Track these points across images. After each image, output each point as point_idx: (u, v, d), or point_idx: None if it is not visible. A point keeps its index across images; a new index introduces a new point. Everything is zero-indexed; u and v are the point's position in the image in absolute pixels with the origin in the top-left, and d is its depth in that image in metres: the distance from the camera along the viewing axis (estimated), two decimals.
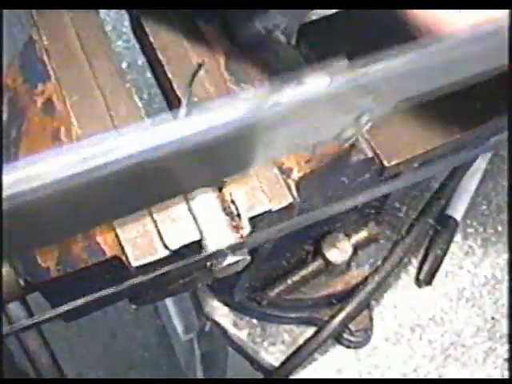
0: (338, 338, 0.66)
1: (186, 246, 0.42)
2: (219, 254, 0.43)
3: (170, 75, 0.49)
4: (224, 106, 0.25)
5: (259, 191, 0.44)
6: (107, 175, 0.23)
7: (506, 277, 0.69)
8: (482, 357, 0.66)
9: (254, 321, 0.66)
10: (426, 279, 0.69)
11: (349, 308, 0.63)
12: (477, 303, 0.69)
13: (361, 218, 0.62)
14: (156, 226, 0.42)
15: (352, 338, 0.65)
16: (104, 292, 0.43)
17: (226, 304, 0.66)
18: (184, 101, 0.47)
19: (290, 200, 0.44)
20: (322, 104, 0.28)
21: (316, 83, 0.27)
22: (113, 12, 0.73)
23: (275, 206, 0.44)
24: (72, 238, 0.39)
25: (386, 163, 0.48)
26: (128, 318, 1.46)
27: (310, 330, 0.66)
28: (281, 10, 0.49)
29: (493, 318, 0.68)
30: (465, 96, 0.39)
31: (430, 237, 0.71)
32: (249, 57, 0.51)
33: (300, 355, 0.64)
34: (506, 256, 0.70)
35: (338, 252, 0.61)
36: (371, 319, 0.66)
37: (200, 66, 0.46)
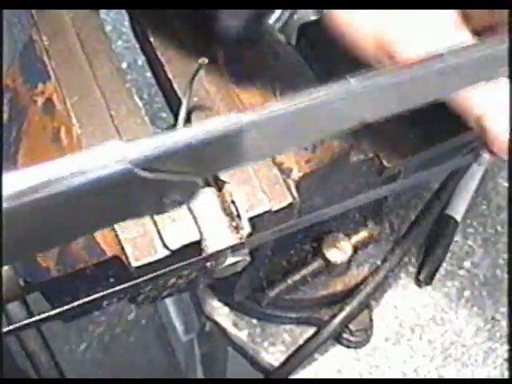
0: (338, 338, 0.66)
1: (186, 246, 0.42)
2: (219, 255, 0.43)
3: (170, 75, 0.49)
4: None
5: (259, 191, 0.44)
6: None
7: (506, 277, 0.69)
8: (482, 357, 0.66)
9: (254, 321, 0.66)
10: (426, 279, 0.69)
11: (349, 308, 0.63)
12: (477, 303, 0.69)
13: (361, 218, 0.62)
14: (156, 226, 0.42)
15: (352, 338, 0.65)
16: (104, 292, 0.43)
17: (226, 304, 0.66)
18: (184, 101, 0.47)
19: (290, 200, 0.44)
20: None
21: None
22: (113, 12, 0.73)
23: (275, 206, 0.44)
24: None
25: (386, 163, 0.48)
26: (128, 318, 1.46)
27: (310, 330, 0.66)
28: (281, 10, 0.49)
29: (493, 318, 0.68)
30: None
31: (430, 237, 0.71)
32: (249, 57, 0.51)
33: (300, 355, 0.64)
34: (505, 256, 0.70)
35: (338, 252, 0.61)
36: (371, 319, 0.66)
37: (200, 65, 0.46)
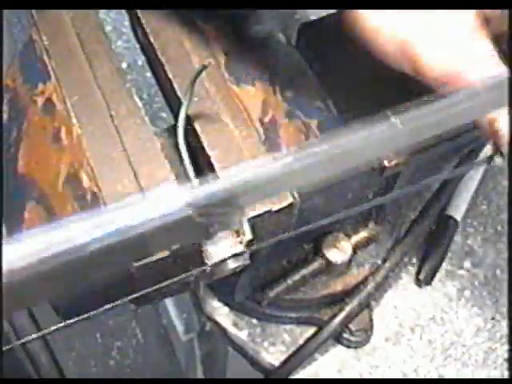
0: (338, 338, 0.66)
1: (185, 247, 0.42)
2: (219, 262, 0.43)
3: (170, 75, 0.49)
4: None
5: None
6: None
7: (506, 277, 0.69)
8: (482, 357, 0.66)
9: (254, 321, 0.66)
10: (426, 279, 0.69)
11: (349, 308, 0.63)
12: (477, 303, 0.69)
13: (361, 218, 0.62)
14: None
15: (352, 338, 0.65)
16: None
17: (226, 304, 0.66)
18: (184, 101, 0.47)
19: (290, 200, 0.44)
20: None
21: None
22: (113, 12, 0.73)
23: (275, 206, 0.44)
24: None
25: (386, 163, 0.48)
26: (128, 317, 1.46)
27: (310, 330, 0.66)
28: (281, 10, 0.49)
29: (493, 318, 0.68)
30: None
31: (429, 237, 0.71)
32: (249, 57, 0.51)
33: (300, 355, 0.64)
34: (505, 256, 0.70)
35: (338, 252, 0.60)
36: (371, 319, 0.66)
37: (204, 66, 0.46)
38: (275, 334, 0.66)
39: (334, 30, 0.46)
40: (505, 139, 0.39)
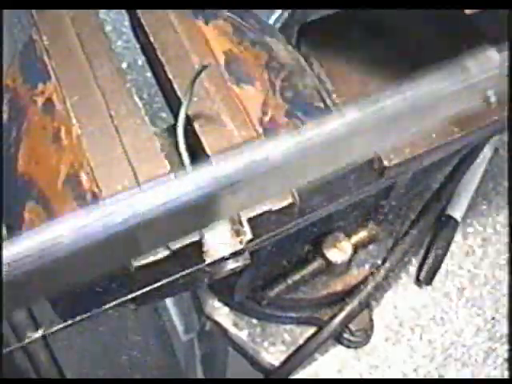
0: (338, 338, 0.66)
1: (186, 246, 0.42)
2: (219, 261, 0.43)
3: (170, 75, 0.49)
4: None
5: None
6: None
7: (506, 277, 0.69)
8: (482, 357, 0.66)
9: (254, 321, 0.66)
10: (426, 279, 0.69)
11: (349, 308, 0.63)
12: (477, 303, 0.69)
13: (361, 218, 0.62)
14: None
15: (352, 338, 0.65)
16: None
17: (226, 304, 0.66)
18: (184, 101, 0.47)
19: (290, 200, 0.44)
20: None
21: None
22: (113, 12, 0.73)
23: (275, 206, 0.44)
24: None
25: (386, 163, 0.48)
26: (128, 317, 1.46)
27: (310, 330, 0.66)
28: (281, 10, 0.49)
29: (493, 318, 0.68)
30: None
31: (430, 237, 0.71)
32: (249, 57, 0.51)
33: (300, 355, 0.64)
34: (506, 256, 0.70)
35: (338, 252, 0.61)
36: (371, 319, 0.66)
37: (204, 66, 0.46)
38: (275, 334, 0.66)
39: (334, 30, 0.46)
40: None
